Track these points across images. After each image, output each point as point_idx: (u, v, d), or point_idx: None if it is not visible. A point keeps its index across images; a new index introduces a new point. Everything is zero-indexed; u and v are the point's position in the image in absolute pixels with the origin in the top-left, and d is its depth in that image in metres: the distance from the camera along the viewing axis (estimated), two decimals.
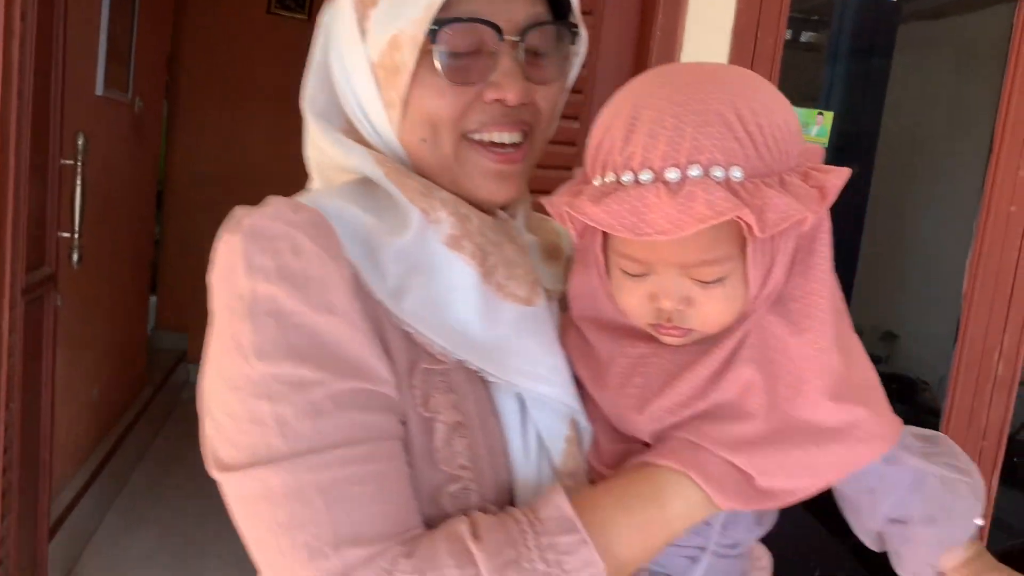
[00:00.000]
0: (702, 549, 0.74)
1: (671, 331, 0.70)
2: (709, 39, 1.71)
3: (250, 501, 0.64)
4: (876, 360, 2.80)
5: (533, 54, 0.74)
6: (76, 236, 2.23)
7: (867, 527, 0.76)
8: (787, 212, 0.62)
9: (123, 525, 3.22)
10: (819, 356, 0.67)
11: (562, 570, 0.62)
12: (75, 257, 2.24)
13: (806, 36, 3.55)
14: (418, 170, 0.76)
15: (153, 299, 4.86)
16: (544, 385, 0.72)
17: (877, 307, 4.39)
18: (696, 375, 0.68)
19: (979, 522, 0.73)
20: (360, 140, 0.77)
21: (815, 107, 1.90)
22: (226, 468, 0.66)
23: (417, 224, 0.72)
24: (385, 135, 0.75)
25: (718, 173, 0.61)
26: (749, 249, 0.65)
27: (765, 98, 0.65)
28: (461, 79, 0.72)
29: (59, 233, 2.22)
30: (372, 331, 0.67)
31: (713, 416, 0.68)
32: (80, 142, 2.17)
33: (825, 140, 1.87)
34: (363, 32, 0.73)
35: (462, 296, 0.72)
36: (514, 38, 0.72)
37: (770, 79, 1.69)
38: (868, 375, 0.73)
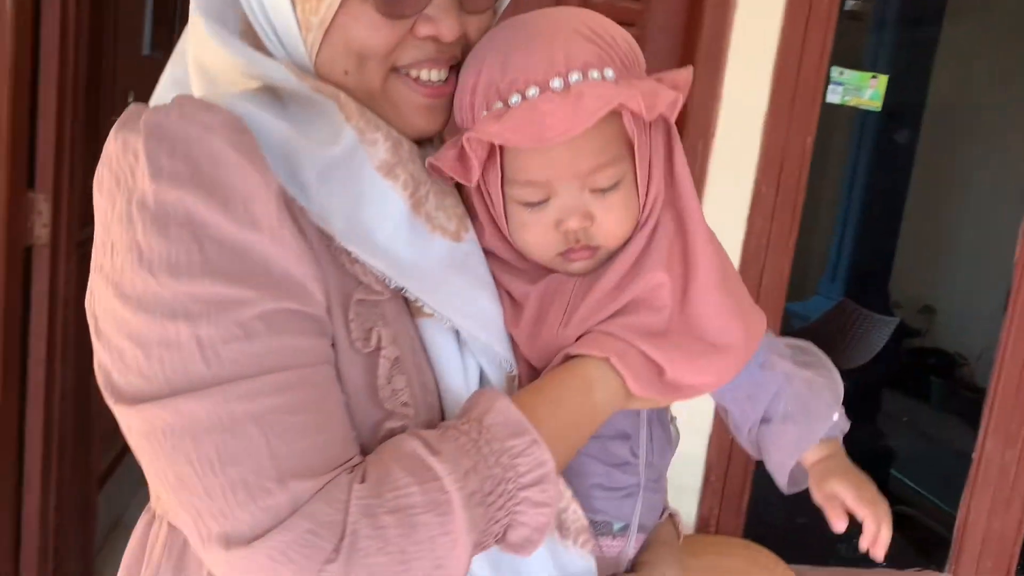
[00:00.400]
0: (636, 487, 0.79)
1: (580, 253, 0.73)
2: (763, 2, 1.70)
3: (165, 436, 0.56)
4: (914, 334, 2.78)
5: None
6: None
7: (746, 435, 0.82)
8: (664, 95, 0.68)
9: None
10: (705, 248, 0.73)
11: (516, 472, 0.61)
12: None
13: (856, 4, 3.49)
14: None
15: None
16: (477, 327, 0.69)
17: (916, 280, 4.34)
18: (609, 281, 0.72)
19: (835, 419, 0.79)
20: (260, 49, 0.68)
21: (869, 71, 1.87)
22: (132, 400, 0.57)
23: (349, 142, 0.65)
24: (297, 57, 0.68)
25: (595, 75, 0.67)
26: (636, 146, 0.70)
27: (602, 19, 0.71)
28: (395, 12, 0.65)
29: None
30: (304, 250, 0.60)
31: (627, 311, 0.71)
32: (131, 100, 2.21)
33: (879, 104, 1.85)
34: None
35: (392, 226, 0.66)
36: None
37: (824, 43, 1.68)
38: (732, 266, 0.78)
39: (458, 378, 0.68)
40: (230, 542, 0.55)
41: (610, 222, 0.72)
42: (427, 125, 0.71)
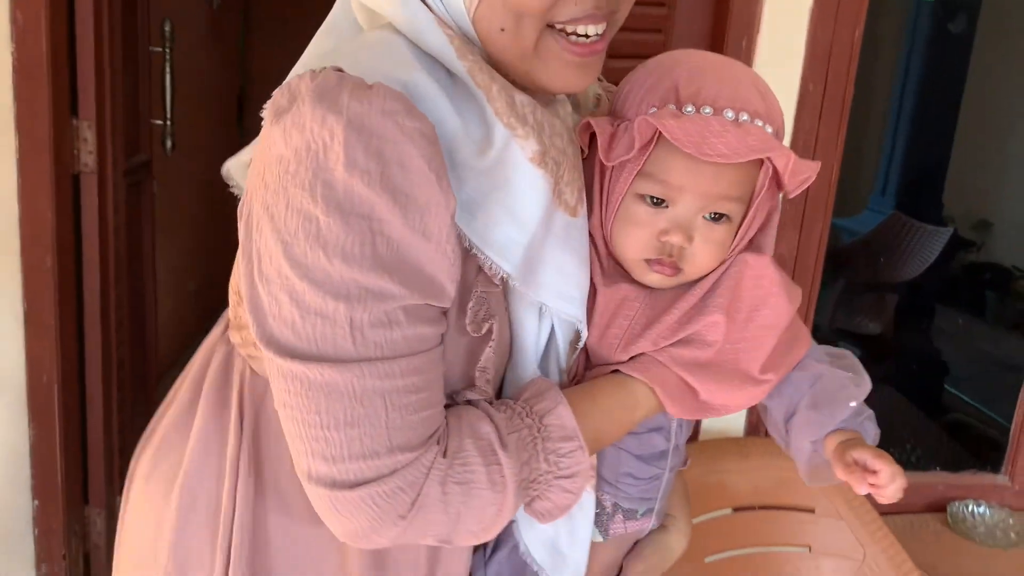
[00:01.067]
0: (662, 471, 0.87)
1: (664, 268, 0.78)
2: None
3: (302, 387, 0.65)
4: (968, 246, 2.71)
5: None
6: (168, 123, 2.28)
7: (780, 430, 0.87)
8: (805, 166, 0.76)
9: None
10: (768, 298, 0.80)
11: (558, 467, 0.71)
12: (168, 144, 2.30)
13: None
14: (489, 55, 0.71)
15: None
16: (569, 305, 0.75)
17: (972, 193, 4.22)
18: (672, 317, 0.79)
19: (853, 404, 0.82)
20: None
21: None
22: (279, 350, 0.65)
23: (501, 142, 0.69)
24: (456, 13, 0.69)
25: (759, 123, 0.75)
26: (758, 195, 0.78)
27: (769, 87, 0.79)
28: None
29: (152, 121, 2.28)
30: (458, 256, 0.67)
31: (679, 343, 0.79)
32: (167, 28, 2.21)
33: None
34: None
35: (532, 209, 0.71)
36: None
37: None
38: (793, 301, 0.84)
39: (531, 340, 0.76)
40: (335, 485, 0.66)
41: (703, 252, 0.78)
42: (578, 83, 0.73)
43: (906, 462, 2.20)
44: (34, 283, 1.71)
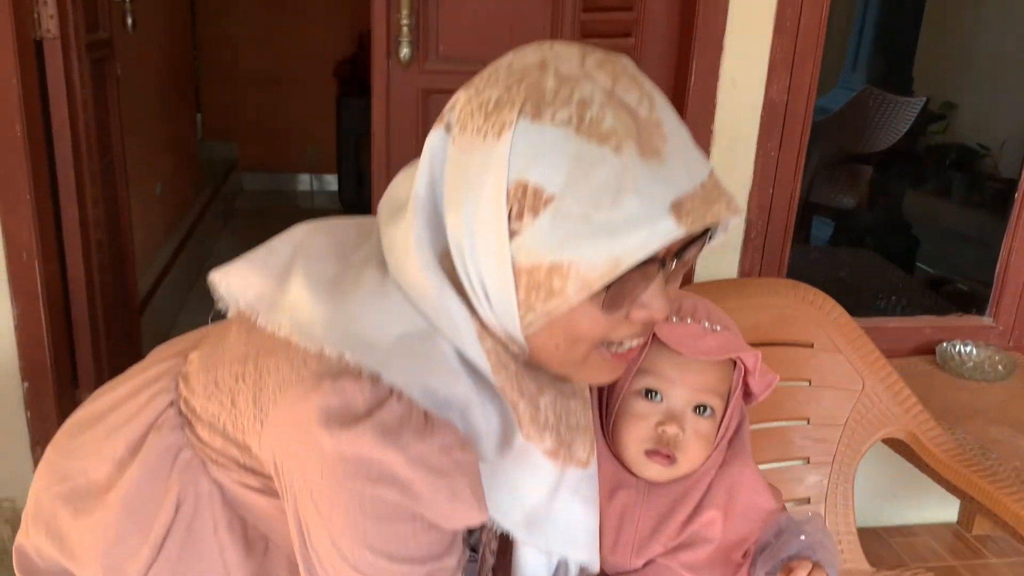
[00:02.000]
0: None
1: (661, 459, 0.90)
2: None
3: None
4: (937, 119, 2.70)
5: (683, 259, 0.72)
6: (128, 0, 2.17)
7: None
8: (768, 373, 0.95)
9: (204, 308, 3.35)
10: (752, 498, 0.95)
11: None
12: (130, 22, 2.20)
13: None
14: (533, 358, 0.74)
15: (199, 117, 4.84)
16: (576, 549, 0.84)
17: (938, 75, 4.22)
18: (676, 521, 0.91)
19: (803, 538, 0.92)
20: (459, 285, 0.71)
21: None
22: None
23: (519, 446, 0.75)
24: (507, 325, 0.70)
25: (727, 332, 0.93)
26: (733, 389, 0.94)
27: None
28: (617, 307, 0.69)
29: None
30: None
31: (684, 545, 0.91)
32: None
33: None
34: (511, 231, 0.66)
35: (535, 491, 0.79)
36: (670, 262, 0.70)
37: None
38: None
39: (540, 573, 0.84)
40: None
41: (694, 443, 0.91)
42: (610, 380, 0.79)
43: (892, 311, 2.24)
44: (5, 153, 1.63)
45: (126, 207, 2.33)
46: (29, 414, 1.81)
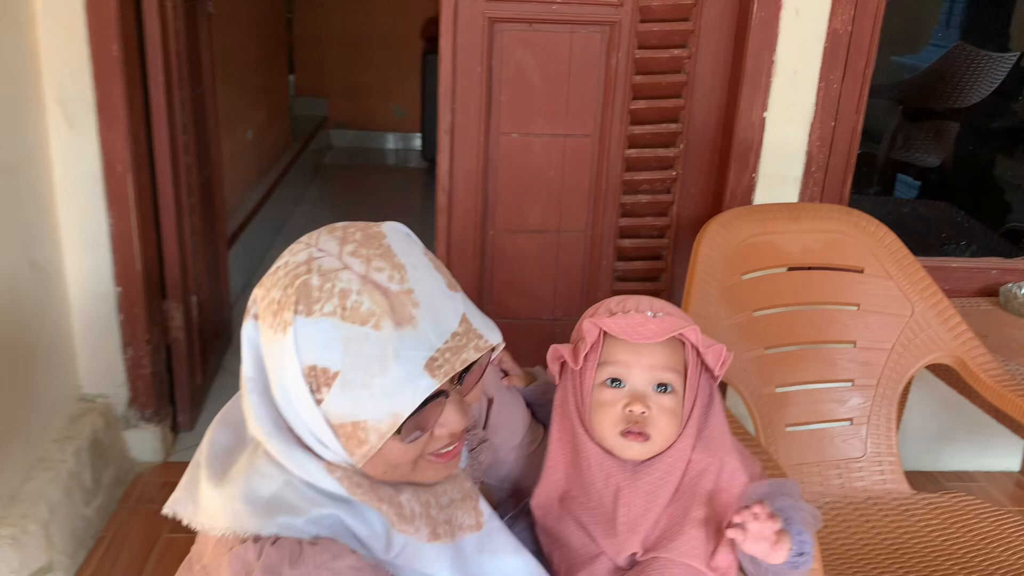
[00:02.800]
0: None
1: (636, 437, 0.98)
2: None
3: None
4: None
5: (468, 375, 0.85)
6: None
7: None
8: (715, 347, 0.99)
9: None
10: (732, 480, 1.00)
11: None
12: None
13: None
14: (376, 479, 0.87)
15: (291, 77, 5.03)
16: None
17: None
18: (663, 496, 0.99)
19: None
20: (302, 442, 0.85)
21: None
22: None
23: (399, 542, 0.87)
24: (342, 459, 0.83)
25: (668, 316, 0.99)
26: (688, 370, 0.99)
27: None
28: (416, 436, 0.83)
29: None
30: None
31: (671, 534, 0.98)
32: None
33: None
34: (317, 400, 0.80)
35: (444, 562, 0.90)
36: (455, 386, 0.84)
37: None
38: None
39: None
40: None
41: (662, 419, 0.98)
42: (446, 475, 0.91)
43: (961, 255, 2.21)
44: (103, 70, 1.78)
45: (215, 141, 2.48)
46: (121, 317, 1.97)
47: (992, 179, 3.49)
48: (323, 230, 0.85)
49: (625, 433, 0.98)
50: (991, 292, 2.03)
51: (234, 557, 0.80)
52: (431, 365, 0.79)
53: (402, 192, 4.73)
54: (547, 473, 1.04)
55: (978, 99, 3.42)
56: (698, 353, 0.99)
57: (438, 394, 0.81)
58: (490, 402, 1.10)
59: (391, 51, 5.11)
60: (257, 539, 0.80)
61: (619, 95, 1.93)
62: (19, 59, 1.71)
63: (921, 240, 2.59)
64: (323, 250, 0.82)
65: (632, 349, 0.98)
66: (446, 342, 0.80)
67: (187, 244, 2.15)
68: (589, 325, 0.98)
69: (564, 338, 1.09)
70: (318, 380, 0.79)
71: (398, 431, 0.80)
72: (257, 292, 0.84)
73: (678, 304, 1.10)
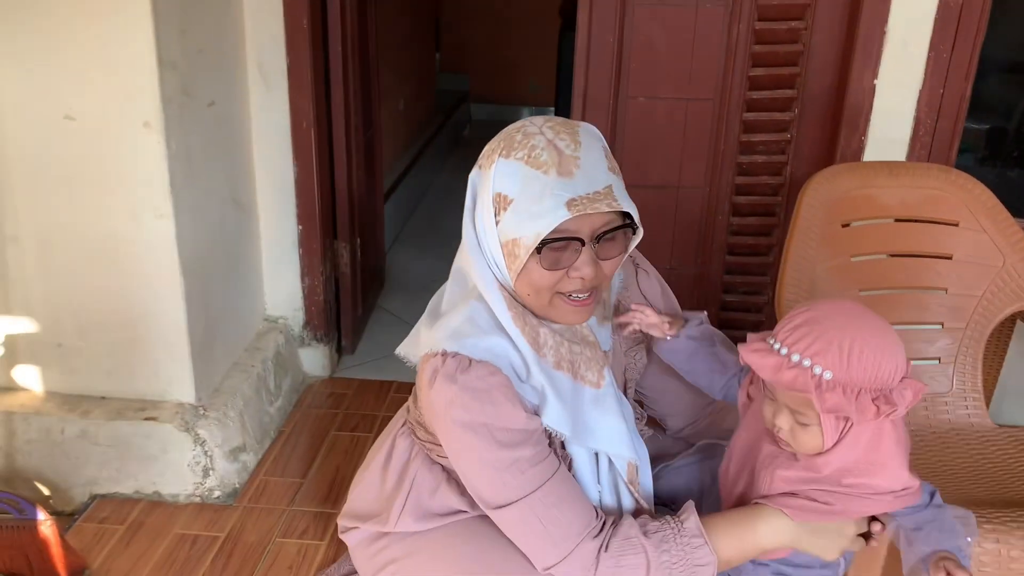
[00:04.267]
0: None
1: (782, 441, 1.12)
2: None
3: (510, 522, 1.14)
4: None
5: (607, 241, 1.11)
6: None
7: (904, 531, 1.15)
8: (838, 405, 1.03)
9: (438, 208, 3.97)
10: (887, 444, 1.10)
11: (693, 556, 1.11)
12: None
13: None
14: (525, 306, 1.16)
15: (437, 56, 5.39)
16: (609, 446, 1.21)
17: None
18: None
19: (970, 540, 1.13)
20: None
21: None
22: (492, 506, 1.14)
23: (535, 364, 1.15)
24: (505, 280, 1.15)
25: (816, 370, 1.04)
26: (822, 418, 1.06)
27: (877, 344, 1.04)
28: (555, 267, 1.10)
29: None
30: (532, 415, 1.13)
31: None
32: None
33: None
34: (496, 221, 1.11)
35: (565, 392, 1.17)
36: (593, 242, 1.10)
37: None
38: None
39: (586, 469, 1.21)
40: (546, 567, 1.13)
41: (801, 438, 1.10)
42: (577, 321, 1.19)
43: None
44: (294, 41, 2.13)
45: (378, 107, 2.82)
46: (301, 251, 2.33)
47: None
48: (537, 116, 1.17)
49: (776, 439, 1.15)
50: None
51: (428, 364, 1.14)
52: (571, 203, 1.06)
53: None
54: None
55: None
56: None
57: (577, 240, 1.09)
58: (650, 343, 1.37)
59: (529, 29, 5.38)
60: (444, 353, 1.13)
61: (739, 63, 2.13)
62: (230, 30, 2.08)
63: None
64: (532, 121, 1.14)
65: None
66: (588, 194, 1.07)
67: (355, 194, 2.50)
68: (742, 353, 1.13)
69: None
70: (499, 204, 1.11)
71: (539, 251, 1.08)
72: (485, 149, 1.16)
73: (777, 253, 1.24)
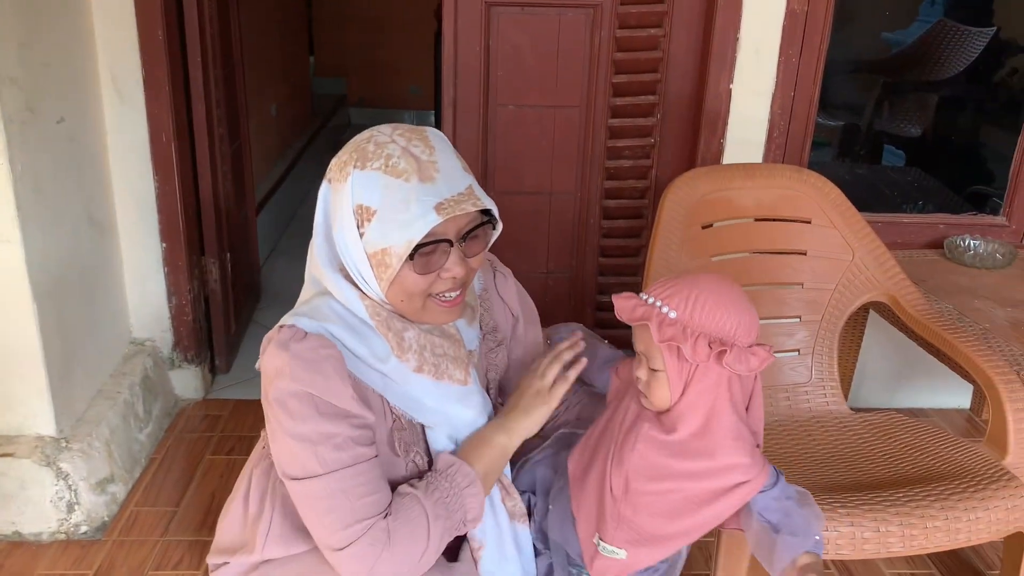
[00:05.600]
0: None
1: (642, 395, 1.23)
2: None
3: (305, 497, 1.12)
4: (1015, 50, 2.79)
5: (472, 239, 1.15)
6: None
7: (761, 541, 1.21)
8: (673, 337, 1.16)
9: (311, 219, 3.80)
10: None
11: (454, 482, 1.18)
12: None
13: None
14: (395, 310, 1.18)
15: (311, 58, 5.29)
16: (467, 430, 1.26)
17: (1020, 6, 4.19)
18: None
19: (818, 537, 1.18)
20: (349, 278, 1.17)
21: None
22: (290, 477, 1.13)
23: (394, 364, 1.18)
24: (374, 291, 1.15)
25: (664, 309, 1.18)
26: (665, 356, 1.19)
27: (721, 300, 1.17)
28: (427, 270, 1.13)
29: None
30: (365, 407, 1.14)
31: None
32: None
33: None
34: (360, 234, 1.11)
35: (426, 393, 1.21)
36: (459, 242, 1.13)
37: None
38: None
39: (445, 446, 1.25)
40: (338, 549, 1.11)
41: (654, 389, 1.21)
42: (448, 320, 1.21)
43: (911, 211, 2.44)
44: (149, 51, 2.05)
45: (244, 114, 2.74)
46: (166, 269, 2.25)
47: (967, 146, 3.70)
48: (384, 124, 1.17)
49: (640, 393, 1.24)
50: (938, 245, 2.26)
51: (266, 337, 1.16)
52: (439, 207, 1.09)
53: None
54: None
55: (957, 71, 3.62)
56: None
57: (446, 241, 1.11)
58: (515, 320, 1.40)
59: (407, 31, 5.35)
60: (280, 327, 1.14)
61: (602, 70, 2.18)
62: (78, 42, 1.98)
63: (887, 201, 2.82)
64: (380, 131, 1.15)
65: (635, 328, 1.24)
66: (452, 196, 1.10)
67: (221, 206, 2.42)
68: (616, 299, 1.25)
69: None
70: (362, 216, 1.11)
71: (411, 257, 1.09)
72: (332, 162, 1.17)
73: (646, 254, 1.30)
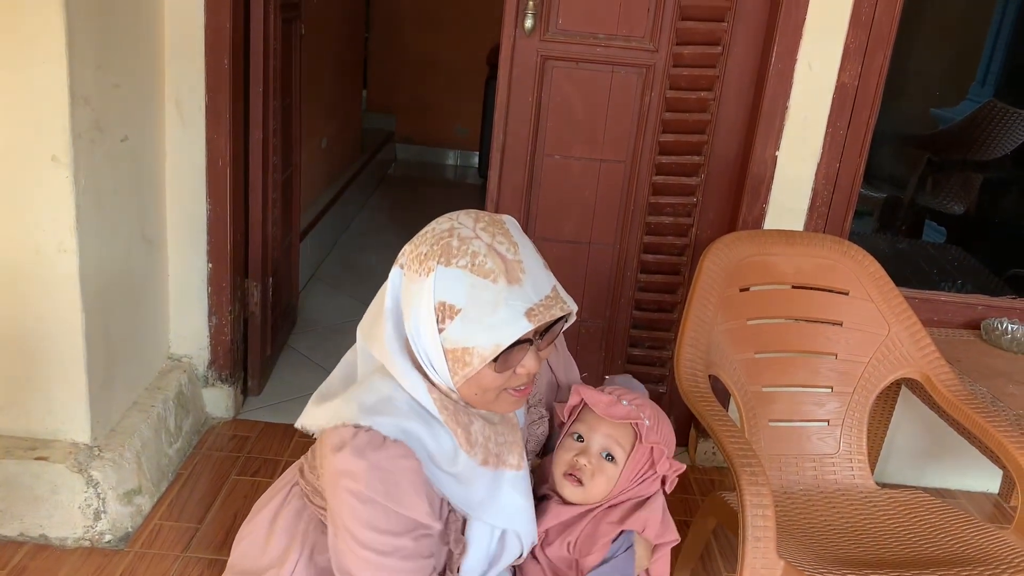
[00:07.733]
0: None
1: (576, 483, 1.27)
2: None
3: None
4: None
5: (548, 334, 1.14)
6: None
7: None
8: (657, 442, 1.28)
9: (356, 246, 3.94)
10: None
11: None
12: None
13: None
14: (465, 401, 1.16)
15: (364, 92, 5.41)
16: (516, 524, 1.24)
17: None
18: (573, 534, 1.29)
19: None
20: (416, 363, 1.14)
21: None
22: (347, 573, 1.11)
23: (463, 458, 1.16)
24: (445, 381, 1.13)
25: (641, 414, 1.28)
26: (631, 452, 1.28)
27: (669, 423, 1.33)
28: (506, 368, 1.11)
29: None
30: (432, 515, 1.12)
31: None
32: None
33: None
34: (440, 329, 1.09)
35: (484, 486, 1.19)
36: (538, 339, 1.13)
37: None
38: None
39: (482, 552, 1.23)
40: None
41: (599, 477, 1.27)
42: (516, 408, 1.21)
43: (950, 290, 2.43)
44: (214, 80, 2.12)
45: (297, 145, 2.82)
46: (209, 289, 2.31)
47: (1010, 229, 3.69)
48: (461, 212, 1.16)
49: (567, 475, 1.28)
50: (975, 326, 2.25)
51: (335, 434, 1.10)
52: (529, 313, 1.08)
53: (457, 205, 5.01)
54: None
55: (1004, 153, 3.62)
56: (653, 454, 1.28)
57: (527, 341, 1.11)
58: (559, 387, 1.42)
59: (457, 74, 5.46)
60: (357, 426, 1.10)
61: (650, 128, 2.22)
62: (149, 66, 2.06)
63: (926, 277, 2.82)
64: (461, 223, 1.12)
65: (598, 421, 1.28)
66: (541, 300, 1.10)
67: (268, 232, 2.48)
68: (577, 391, 1.30)
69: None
70: (444, 313, 1.08)
71: (495, 359, 1.08)
72: (407, 248, 1.14)
73: (680, 310, 1.36)
